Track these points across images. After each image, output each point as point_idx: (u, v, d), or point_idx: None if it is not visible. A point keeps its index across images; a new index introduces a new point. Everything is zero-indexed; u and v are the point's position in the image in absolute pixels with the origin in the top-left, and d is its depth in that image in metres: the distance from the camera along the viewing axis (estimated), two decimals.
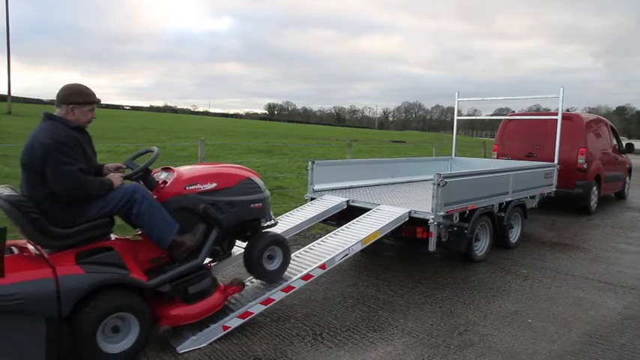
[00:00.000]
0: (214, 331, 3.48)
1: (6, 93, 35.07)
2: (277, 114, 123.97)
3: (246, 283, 3.95)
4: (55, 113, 3.10)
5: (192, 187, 3.42)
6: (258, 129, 35.38)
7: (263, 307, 3.74)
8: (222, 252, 3.89)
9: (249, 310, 3.66)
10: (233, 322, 3.58)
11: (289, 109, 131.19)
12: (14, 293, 2.57)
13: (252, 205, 3.70)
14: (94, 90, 3.27)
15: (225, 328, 3.53)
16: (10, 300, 2.55)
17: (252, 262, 3.78)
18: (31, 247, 3.11)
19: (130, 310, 3.01)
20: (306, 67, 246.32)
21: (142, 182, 3.46)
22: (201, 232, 3.46)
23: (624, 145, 11.09)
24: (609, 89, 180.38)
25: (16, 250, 3.08)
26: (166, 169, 3.68)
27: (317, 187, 6.01)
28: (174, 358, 3.24)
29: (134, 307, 3.04)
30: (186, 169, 3.61)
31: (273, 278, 3.90)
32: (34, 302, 2.63)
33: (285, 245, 3.98)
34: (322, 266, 4.10)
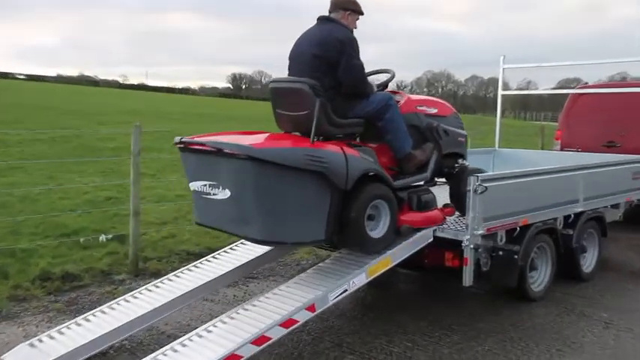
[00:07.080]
0: None
1: None
2: (246, 88, 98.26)
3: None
4: (329, 15, 3.77)
5: (421, 108, 4.15)
6: (220, 110, 31.12)
7: None
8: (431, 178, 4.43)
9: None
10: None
11: (262, 81, 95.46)
12: (323, 157, 3.31)
13: (459, 139, 4.37)
14: None
15: None
16: (321, 161, 3.27)
17: (459, 195, 4.28)
18: None
19: (384, 199, 3.72)
20: (284, 21, 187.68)
21: None
22: (430, 149, 4.10)
23: None
24: None
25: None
26: (393, 93, 4.34)
27: None
28: None
29: (387, 196, 3.74)
30: (411, 95, 4.38)
31: None
32: (333, 168, 3.32)
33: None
34: (310, 308, 3.36)
